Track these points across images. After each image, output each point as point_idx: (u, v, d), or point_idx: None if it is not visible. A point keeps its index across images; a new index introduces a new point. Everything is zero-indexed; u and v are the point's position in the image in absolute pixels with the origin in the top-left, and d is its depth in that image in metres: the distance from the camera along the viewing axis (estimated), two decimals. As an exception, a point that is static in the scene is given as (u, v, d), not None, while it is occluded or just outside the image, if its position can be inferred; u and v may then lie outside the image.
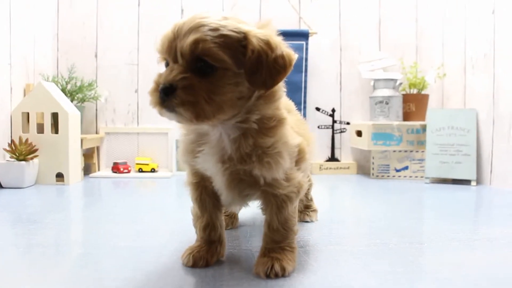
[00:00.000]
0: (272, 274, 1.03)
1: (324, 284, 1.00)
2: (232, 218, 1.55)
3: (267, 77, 0.96)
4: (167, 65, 0.99)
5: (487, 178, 2.62)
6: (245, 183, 1.06)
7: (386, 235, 1.46)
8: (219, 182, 1.08)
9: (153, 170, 2.97)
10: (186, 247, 1.19)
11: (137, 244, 1.33)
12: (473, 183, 2.62)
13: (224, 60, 0.93)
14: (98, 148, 3.06)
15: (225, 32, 0.94)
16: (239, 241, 1.36)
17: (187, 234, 1.41)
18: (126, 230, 1.52)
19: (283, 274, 1.04)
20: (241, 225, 1.58)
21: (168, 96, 0.92)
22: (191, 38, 0.92)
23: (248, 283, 1.00)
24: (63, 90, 2.79)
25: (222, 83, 0.94)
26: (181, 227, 1.53)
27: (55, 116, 2.50)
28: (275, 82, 0.98)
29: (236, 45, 0.95)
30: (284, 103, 1.14)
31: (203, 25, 0.93)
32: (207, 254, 1.13)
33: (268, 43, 0.96)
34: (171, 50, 0.95)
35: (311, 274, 1.07)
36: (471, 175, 2.63)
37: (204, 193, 1.15)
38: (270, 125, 1.04)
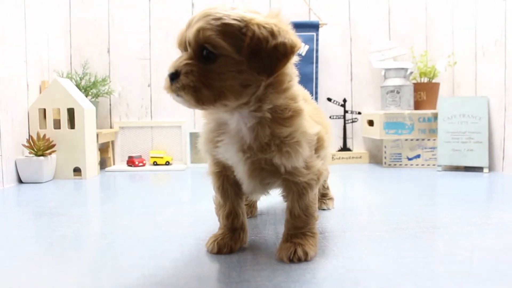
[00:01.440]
0: (295, 259, 1.06)
1: (345, 267, 1.04)
2: (251, 207, 1.58)
3: (267, 64, 0.98)
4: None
5: (499, 165, 2.64)
6: (266, 171, 1.10)
7: (402, 221, 1.49)
8: (240, 171, 1.11)
9: (167, 163, 3.01)
10: (207, 236, 1.23)
11: (160, 234, 1.37)
12: (486, 170, 2.63)
13: (224, 47, 0.96)
14: (113, 142, 3.10)
15: (227, 20, 0.97)
16: (259, 229, 1.40)
17: (207, 224, 1.45)
18: (146, 221, 1.56)
19: (305, 258, 1.07)
20: (259, 213, 1.62)
21: (173, 80, 0.99)
22: (195, 27, 0.97)
23: (272, 267, 1.04)
24: (78, 86, 2.83)
25: (222, 69, 0.98)
26: (200, 217, 1.57)
27: (71, 112, 2.54)
28: (275, 69, 1.00)
29: (237, 33, 0.97)
30: (302, 93, 1.17)
31: (208, 15, 0.98)
32: (231, 241, 1.16)
33: (270, 31, 0.98)
34: (182, 40, 1.02)
35: (332, 258, 1.10)
36: (483, 162, 2.65)
37: (226, 182, 1.18)
38: (286, 115, 1.06)
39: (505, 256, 1.12)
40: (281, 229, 1.16)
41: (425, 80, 3.07)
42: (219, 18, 0.97)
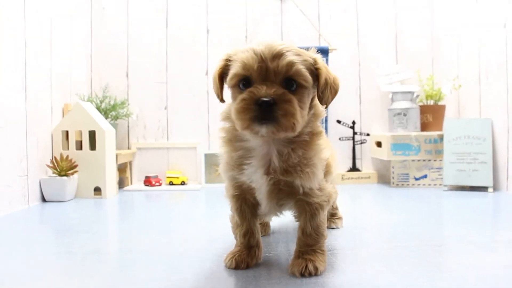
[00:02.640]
0: (306, 273, 1.17)
1: (352, 282, 1.13)
2: (265, 226, 1.69)
3: (330, 95, 1.17)
4: (244, 84, 1.10)
5: (503, 185, 2.72)
6: (283, 193, 1.21)
7: (407, 239, 1.58)
8: (262, 192, 1.22)
9: (183, 183, 3.13)
10: (224, 252, 1.34)
11: (179, 250, 1.48)
12: (490, 189, 2.72)
13: (308, 80, 1.11)
14: (130, 162, 3.22)
15: (305, 57, 1.13)
16: (273, 246, 1.50)
17: (223, 241, 1.56)
18: (164, 238, 1.66)
19: (316, 273, 1.18)
20: (272, 232, 1.72)
21: (270, 107, 1.05)
22: (286, 60, 1.09)
23: (284, 281, 1.14)
24: (98, 109, 2.97)
25: (305, 99, 1.13)
26: (216, 235, 1.67)
27: (92, 134, 2.67)
28: (333, 99, 1.19)
29: (312, 68, 1.14)
30: None
31: (289, 50, 1.10)
32: (247, 258, 1.27)
33: (326, 67, 1.16)
34: (262, 71, 1.08)
35: (340, 273, 1.20)
36: (488, 182, 2.74)
37: (244, 204, 1.29)
38: (313, 138, 1.21)
39: (505, 273, 1.21)
40: (292, 247, 1.26)
41: (431, 102, 3.17)
42: (299, 54, 1.12)
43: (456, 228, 1.78)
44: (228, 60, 1.17)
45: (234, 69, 1.11)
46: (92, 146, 2.67)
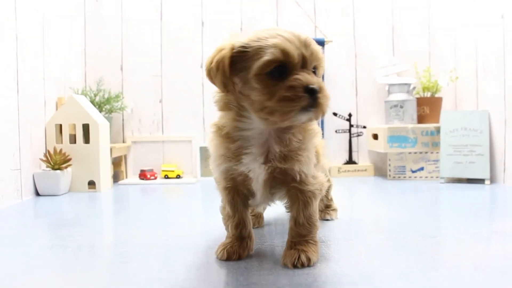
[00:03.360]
0: (299, 264, 1.15)
1: (345, 272, 1.12)
2: (258, 218, 1.67)
3: None
4: (279, 72, 1.06)
5: (500, 177, 2.71)
6: (277, 181, 1.20)
7: (402, 231, 1.56)
8: (259, 181, 1.21)
9: (178, 177, 3.11)
10: (217, 245, 1.31)
11: (172, 243, 1.46)
12: (487, 182, 2.71)
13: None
14: (125, 156, 3.20)
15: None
16: (266, 238, 1.48)
17: (216, 234, 1.54)
18: (159, 231, 1.64)
19: (308, 264, 1.16)
20: (266, 224, 1.70)
21: (316, 95, 1.05)
22: (314, 48, 1.10)
23: (276, 272, 1.12)
24: (92, 102, 2.94)
25: None
26: (210, 228, 1.66)
27: (86, 127, 2.64)
28: None
29: None
30: None
31: (311, 39, 1.11)
32: (239, 249, 1.26)
33: None
34: (300, 57, 1.07)
35: (334, 264, 1.18)
36: (484, 174, 2.72)
37: (236, 195, 1.27)
38: (307, 123, 1.20)
39: (499, 263, 1.19)
40: (285, 238, 1.25)
41: (428, 95, 3.15)
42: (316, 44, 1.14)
43: (452, 220, 1.77)
44: (243, 47, 1.09)
45: (270, 56, 1.05)
46: (86, 139, 2.65)
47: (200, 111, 3.27)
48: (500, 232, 1.53)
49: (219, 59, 1.09)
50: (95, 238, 1.58)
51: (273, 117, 1.07)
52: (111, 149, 2.85)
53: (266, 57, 1.05)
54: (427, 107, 3.13)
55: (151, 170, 3.11)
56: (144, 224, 1.77)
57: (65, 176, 2.54)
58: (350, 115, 3.35)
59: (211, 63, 1.12)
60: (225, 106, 1.18)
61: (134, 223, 1.81)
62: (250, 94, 1.09)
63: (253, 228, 1.39)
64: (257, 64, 1.06)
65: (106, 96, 3.04)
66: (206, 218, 1.89)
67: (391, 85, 3.13)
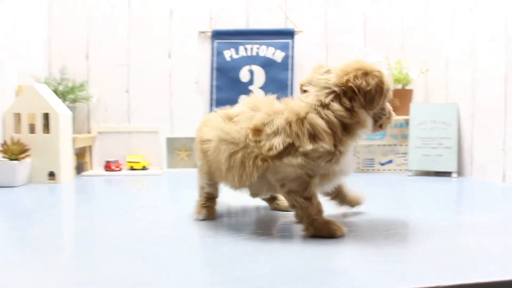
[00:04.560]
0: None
1: (303, 265, 1.07)
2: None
3: None
4: None
5: (468, 170, 2.69)
6: None
7: (367, 225, 1.52)
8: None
9: (144, 168, 3.05)
10: (185, 236, 1.31)
11: (137, 236, 1.40)
12: (454, 175, 2.69)
13: None
14: (90, 147, 3.13)
15: None
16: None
17: (184, 226, 1.50)
18: (122, 224, 1.57)
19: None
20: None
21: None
22: None
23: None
24: (55, 91, 2.87)
25: None
26: (177, 221, 1.59)
27: (46, 117, 2.57)
28: None
29: None
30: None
31: None
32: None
33: None
34: None
35: (292, 257, 1.13)
36: (452, 167, 2.70)
37: None
38: None
39: (469, 255, 1.16)
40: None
41: (400, 87, 3.12)
42: None
43: (418, 213, 1.73)
44: None
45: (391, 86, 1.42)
46: (46, 129, 2.58)
47: (167, 101, 3.21)
48: (468, 224, 1.50)
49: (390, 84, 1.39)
50: (56, 230, 1.51)
51: (380, 130, 1.54)
52: (73, 140, 2.78)
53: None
54: (398, 99, 3.08)
55: (116, 161, 3.05)
56: (104, 216, 1.71)
57: (22, 166, 2.46)
58: (321, 107, 3.30)
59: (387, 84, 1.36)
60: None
61: (96, 215, 1.75)
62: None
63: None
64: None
65: (70, 85, 2.96)
66: (173, 211, 1.82)
67: (361, 76, 3.08)
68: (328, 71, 1.33)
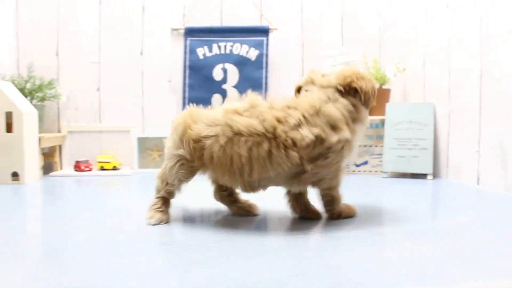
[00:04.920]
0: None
1: (266, 268, 1.01)
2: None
3: None
4: None
5: (444, 172, 2.64)
6: None
7: (342, 226, 1.48)
8: None
9: (115, 168, 2.98)
10: (152, 235, 1.30)
11: (104, 236, 1.36)
12: (430, 177, 2.63)
13: None
14: (60, 146, 3.06)
15: None
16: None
17: (152, 229, 1.45)
18: (87, 227, 1.52)
19: None
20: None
21: None
22: None
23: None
24: (22, 90, 2.79)
25: None
26: (143, 224, 1.54)
27: (9, 115, 2.50)
28: None
29: None
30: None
31: None
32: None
33: None
34: None
35: (248, 261, 1.07)
36: (427, 169, 2.64)
37: None
38: None
39: (444, 258, 1.12)
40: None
41: (377, 86, 3.06)
42: None
43: (390, 218, 1.66)
44: None
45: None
46: (10, 128, 2.50)
47: (139, 100, 3.14)
48: (436, 228, 1.45)
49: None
50: (17, 232, 1.46)
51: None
52: (40, 139, 2.70)
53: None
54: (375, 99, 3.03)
55: (87, 161, 2.98)
56: (70, 219, 1.65)
57: (-17, 167, 2.39)
58: (297, 106, 3.23)
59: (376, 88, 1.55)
60: None
61: (59, 218, 1.68)
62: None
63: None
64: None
65: (38, 83, 2.89)
66: (141, 212, 1.77)
67: (336, 75, 3.02)
68: (324, 75, 1.51)
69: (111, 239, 1.34)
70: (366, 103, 1.49)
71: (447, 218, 1.66)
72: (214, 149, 1.41)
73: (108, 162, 2.98)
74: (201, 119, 1.47)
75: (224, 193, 1.67)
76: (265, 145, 1.35)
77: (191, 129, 1.46)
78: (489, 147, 2.23)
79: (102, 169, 2.98)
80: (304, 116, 1.37)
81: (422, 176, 2.68)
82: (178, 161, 1.51)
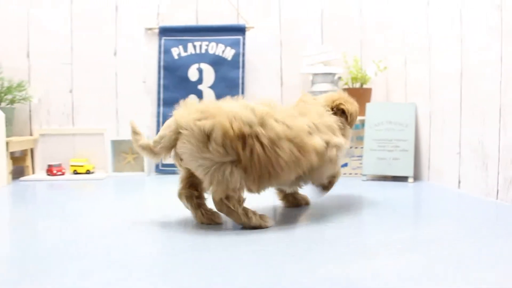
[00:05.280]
0: None
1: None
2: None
3: None
4: None
5: (425, 174, 2.56)
6: None
7: (315, 237, 1.41)
8: None
9: (88, 172, 2.89)
10: (127, 247, 1.26)
11: (72, 248, 1.30)
12: (410, 179, 2.55)
13: None
14: (32, 150, 2.97)
15: None
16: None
17: (124, 234, 1.43)
18: (55, 234, 1.47)
19: None
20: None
21: None
22: None
23: None
24: (-11, 92, 2.70)
25: None
26: (118, 228, 1.51)
27: (-26, 119, 2.41)
28: None
29: None
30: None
31: None
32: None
33: None
34: None
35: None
36: (408, 171, 2.56)
37: None
38: None
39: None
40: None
41: (358, 85, 2.98)
42: None
43: (366, 221, 1.64)
44: None
45: None
46: (-26, 133, 2.42)
47: (113, 102, 3.05)
48: (413, 237, 1.36)
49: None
50: None
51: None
52: (7, 143, 2.61)
53: None
54: (355, 98, 2.94)
55: (59, 165, 2.89)
56: (38, 226, 1.61)
57: None
58: (276, 106, 3.15)
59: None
60: None
61: (26, 224, 1.63)
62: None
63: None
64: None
65: (6, 84, 2.79)
66: (115, 218, 1.73)
67: (315, 74, 2.94)
68: (315, 99, 1.82)
69: (84, 245, 1.31)
70: (351, 123, 1.82)
71: (426, 226, 1.61)
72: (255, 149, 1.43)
73: (82, 166, 2.89)
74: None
75: (194, 193, 1.59)
76: (295, 150, 1.49)
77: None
78: (470, 149, 2.15)
79: (75, 173, 2.90)
80: (314, 124, 1.59)
81: (403, 178, 2.59)
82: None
